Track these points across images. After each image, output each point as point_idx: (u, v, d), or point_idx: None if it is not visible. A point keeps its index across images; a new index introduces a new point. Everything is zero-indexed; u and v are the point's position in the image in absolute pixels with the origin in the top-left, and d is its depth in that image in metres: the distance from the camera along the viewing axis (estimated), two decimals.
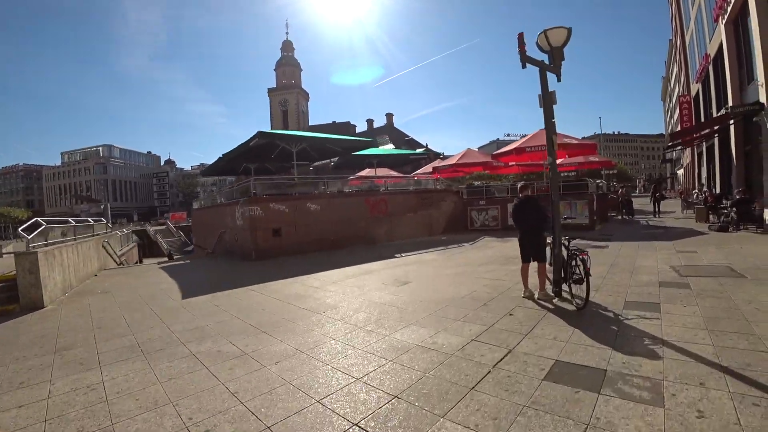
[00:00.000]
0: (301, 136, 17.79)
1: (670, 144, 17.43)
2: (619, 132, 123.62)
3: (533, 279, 6.45)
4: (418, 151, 34.95)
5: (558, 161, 23.01)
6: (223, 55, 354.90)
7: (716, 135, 20.75)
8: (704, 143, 25.24)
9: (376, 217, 15.66)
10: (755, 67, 14.56)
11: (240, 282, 9.73)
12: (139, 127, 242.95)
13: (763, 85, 12.51)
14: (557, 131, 17.20)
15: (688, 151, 36.97)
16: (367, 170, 26.57)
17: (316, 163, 30.08)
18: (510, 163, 23.82)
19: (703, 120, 22.30)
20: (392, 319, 5.84)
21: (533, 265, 6.44)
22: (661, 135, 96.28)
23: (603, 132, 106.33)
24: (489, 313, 5.72)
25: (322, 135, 18.98)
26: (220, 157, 20.81)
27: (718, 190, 20.14)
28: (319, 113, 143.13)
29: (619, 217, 20.62)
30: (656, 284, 6.67)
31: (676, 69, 44.37)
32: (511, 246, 11.90)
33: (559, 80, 6.52)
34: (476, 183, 20.20)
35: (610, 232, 14.54)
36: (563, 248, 6.24)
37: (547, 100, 6.30)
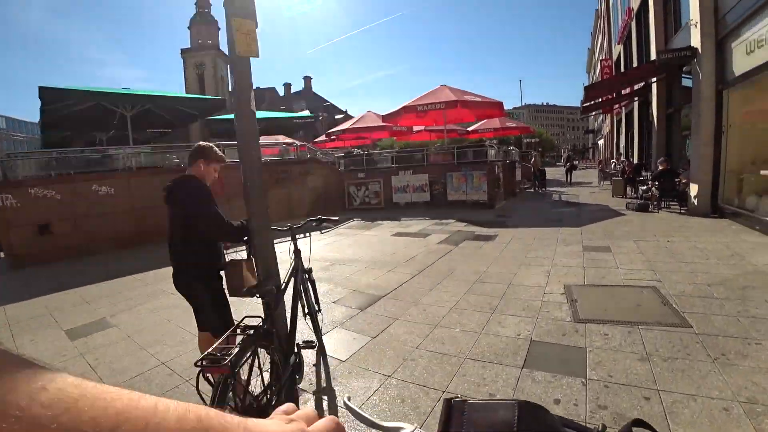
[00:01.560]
0: (119, 94, 12.80)
1: (584, 105, 14.35)
2: (547, 103, 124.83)
3: None
4: (306, 113, 29.90)
5: (472, 127, 19.66)
6: (140, 11, 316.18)
7: (636, 98, 18.26)
8: (623, 109, 23.03)
9: None
10: (684, 9, 11.69)
11: None
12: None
13: (697, 25, 9.47)
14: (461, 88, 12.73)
15: (608, 120, 35.51)
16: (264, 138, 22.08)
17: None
18: (417, 128, 20.27)
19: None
20: None
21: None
22: None
23: (531, 102, 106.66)
24: None
25: (160, 93, 13.96)
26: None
27: (636, 160, 17.80)
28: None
29: (532, 190, 17.78)
30: (521, 354, 3.13)
31: (600, 38, 42.72)
32: (370, 239, 8.28)
33: None
34: (355, 151, 16.26)
35: (510, 212, 11.32)
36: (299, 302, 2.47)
37: None
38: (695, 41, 9.52)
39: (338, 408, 2.61)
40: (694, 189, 9.48)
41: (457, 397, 0.56)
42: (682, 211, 9.61)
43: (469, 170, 11.93)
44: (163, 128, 18.44)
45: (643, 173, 12.52)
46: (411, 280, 5.37)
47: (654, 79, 13.97)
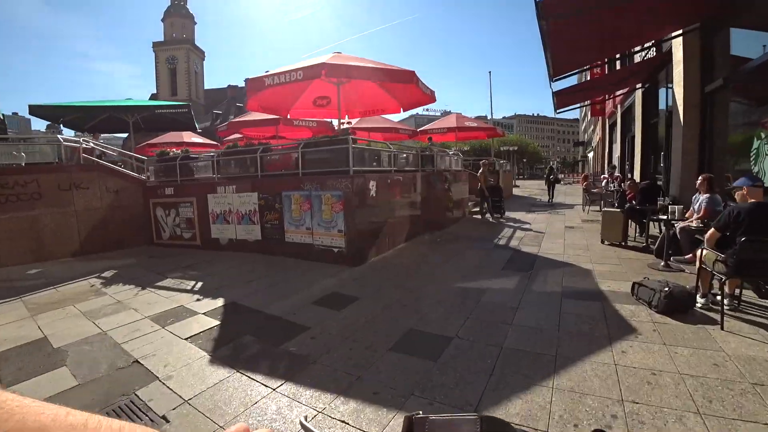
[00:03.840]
0: None
1: (555, 87, 8.15)
2: (537, 114, 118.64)
3: None
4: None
5: (424, 126, 12.51)
6: (134, 7, 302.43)
7: (640, 86, 12.21)
8: (619, 108, 16.97)
9: None
10: None
11: None
12: (32, 86, 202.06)
13: None
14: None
15: (599, 127, 29.56)
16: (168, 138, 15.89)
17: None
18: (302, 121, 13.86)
19: (618, 69, 13.53)
20: None
21: None
22: (577, 120, 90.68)
23: (522, 113, 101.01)
24: None
25: None
26: None
27: (638, 177, 11.65)
28: (227, 78, 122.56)
29: (480, 217, 11.50)
30: None
31: None
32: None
33: None
34: (173, 151, 9.83)
35: (374, 285, 5.04)
36: None
37: None
38: None
39: None
40: None
41: (419, 413, 0.52)
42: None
43: (316, 188, 5.76)
44: None
45: (668, 204, 6.30)
46: None
47: (678, 33, 7.88)
